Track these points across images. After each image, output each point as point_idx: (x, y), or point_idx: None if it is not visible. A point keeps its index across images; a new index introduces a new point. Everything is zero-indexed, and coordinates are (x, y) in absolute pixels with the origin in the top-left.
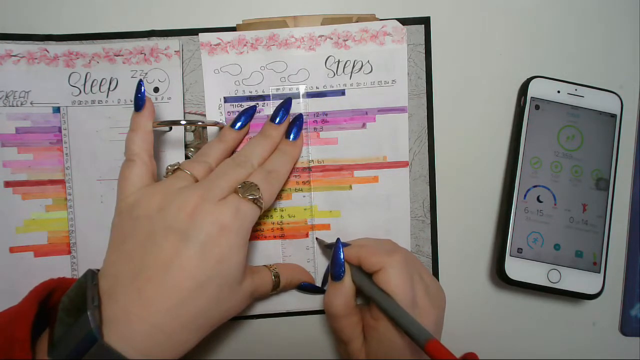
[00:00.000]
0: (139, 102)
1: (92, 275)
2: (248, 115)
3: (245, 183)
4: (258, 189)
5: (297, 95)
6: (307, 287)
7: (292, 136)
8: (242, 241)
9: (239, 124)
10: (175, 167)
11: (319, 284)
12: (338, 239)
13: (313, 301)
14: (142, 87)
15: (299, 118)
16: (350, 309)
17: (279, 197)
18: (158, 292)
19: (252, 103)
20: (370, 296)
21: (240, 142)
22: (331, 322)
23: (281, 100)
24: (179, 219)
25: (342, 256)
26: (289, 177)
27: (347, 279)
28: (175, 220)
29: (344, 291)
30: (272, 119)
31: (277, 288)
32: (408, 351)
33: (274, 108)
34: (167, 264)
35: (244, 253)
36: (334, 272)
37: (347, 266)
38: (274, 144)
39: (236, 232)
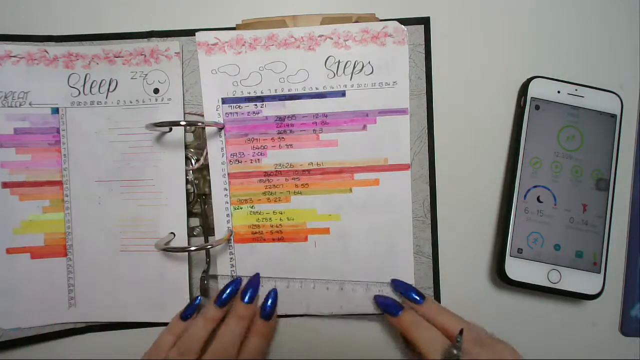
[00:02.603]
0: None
1: None
2: (232, 291)
3: None
4: None
5: (296, 96)
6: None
7: (266, 316)
8: None
9: (221, 301)
10: None
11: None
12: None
13: (318, 305)
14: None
15: (272, 295)
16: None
17: (279, 200)
18: None
19: (250, 104)
20: None
21: (223, 316)
22: None
23: (250, 277)
24: None
25: None
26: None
27: None
28: None
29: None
30: (242, 297)
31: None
32: None
33: (244, 284)
34: None
35: None
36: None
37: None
38: (248, 323)
39: None
